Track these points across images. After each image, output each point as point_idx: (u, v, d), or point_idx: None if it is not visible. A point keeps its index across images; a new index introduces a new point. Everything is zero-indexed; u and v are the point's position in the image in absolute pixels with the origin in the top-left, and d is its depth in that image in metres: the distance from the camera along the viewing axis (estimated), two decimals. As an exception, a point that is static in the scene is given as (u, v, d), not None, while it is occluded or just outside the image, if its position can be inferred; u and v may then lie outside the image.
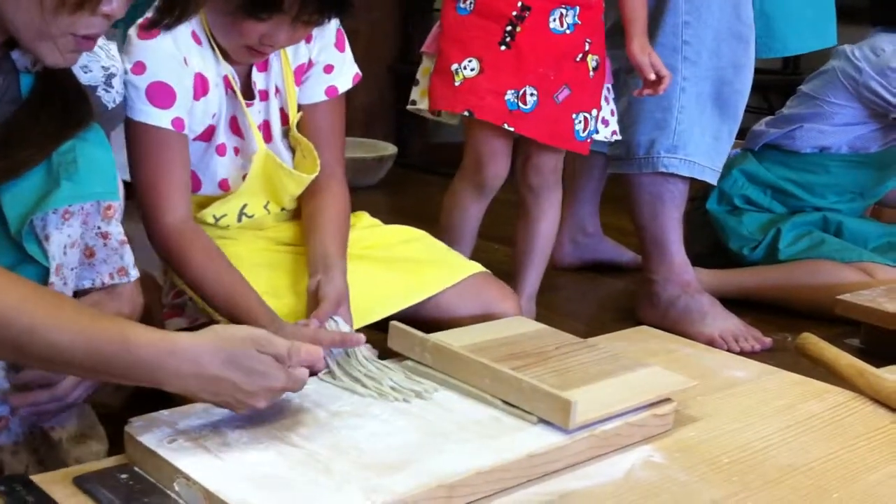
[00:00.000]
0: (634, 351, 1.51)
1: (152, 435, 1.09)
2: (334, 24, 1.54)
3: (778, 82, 4.24)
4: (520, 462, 1.10)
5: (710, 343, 1.87)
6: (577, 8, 1.77)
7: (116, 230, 1.23)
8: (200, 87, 1.43)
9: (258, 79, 1.51)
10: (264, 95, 1.52)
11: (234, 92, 1.47)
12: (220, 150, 1.49)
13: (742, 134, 2.34)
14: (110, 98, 1.29)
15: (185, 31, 1.40)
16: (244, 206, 1.53)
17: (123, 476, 1.06)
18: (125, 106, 1.36)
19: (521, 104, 1.74)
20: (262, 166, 1.48)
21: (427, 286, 1.55)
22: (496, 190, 1.87)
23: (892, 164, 2.40)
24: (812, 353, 1.55)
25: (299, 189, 1.55)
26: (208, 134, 1.47)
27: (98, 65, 1.28)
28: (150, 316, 1.52)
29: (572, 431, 1.15)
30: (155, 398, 1.41)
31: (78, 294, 1.22)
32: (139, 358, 1.01)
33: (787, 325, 2.10)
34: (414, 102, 1.85)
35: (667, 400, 1.27)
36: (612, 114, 1.91)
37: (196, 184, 1.50)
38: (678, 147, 2.04)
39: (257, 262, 1.52)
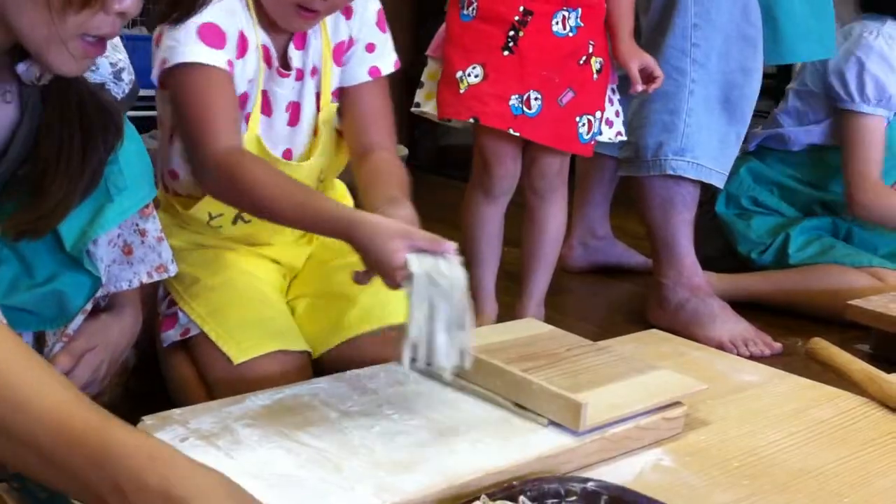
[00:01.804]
0: (645, 354, 1.51)
1: (164, 433, 1.09)
2: (375, 2, 1.51)
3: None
4: (530, 463, 1.10)
5: (720, 347, 1.87)
6: (580, 10, 1.77)
7: (153, 227, 1.23)
8: (241, 45, 1.37)
9: (294, 55, 1.44)
10: (300, 74, 1.45)
11: (268, 64, 1.41)
12: (248, 120, 1.43)
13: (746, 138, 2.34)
14: (119, 90, 1.25)
15: None
16: None
17: (135, 473, 1.06)
18: (137, 88, 1.30)
19: (525, 109, 1.74)
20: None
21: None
22: (507, 193, 1.88)
23: (888, 145, 2.38)
24: (822, 358, 1.54)
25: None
26: (242, 102, 1.40)
27: (106, 61, 1.23)
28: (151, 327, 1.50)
29: (582, 433, 1.15)
30: (166, 398, 1.42)
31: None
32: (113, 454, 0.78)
33: (797, 329, 2.10)
34: (418, 105, 1.85)
35: (677, 403, 1.27)
36: (617, 115, 1.89)
37: None
38: (686, 149, 2.04)
39: (248, 270, 1.48)
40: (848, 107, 2.26)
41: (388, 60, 1.53)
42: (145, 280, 1.24)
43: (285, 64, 1.43)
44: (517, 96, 1.73)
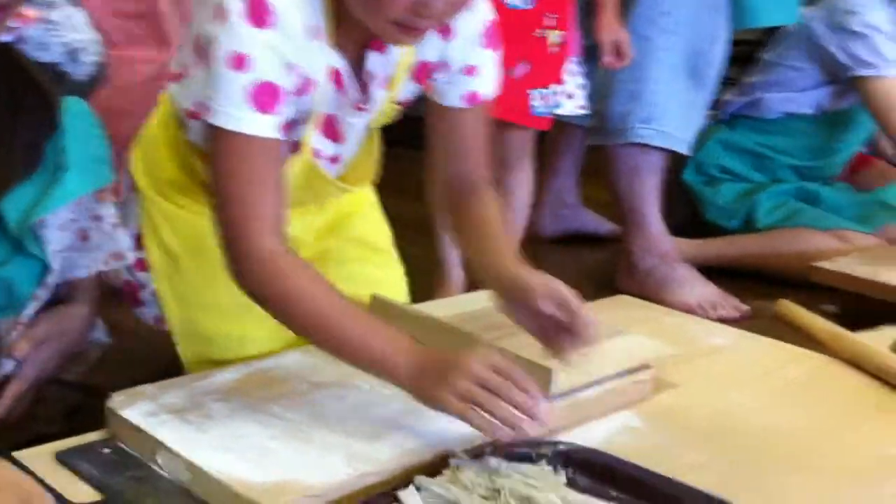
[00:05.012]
0: (615, 319, 1.51)
1: (134, 409, 1.09)
2: (482, 16, 1.25)
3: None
4: (501, 429, 1.10)
5: (689, 311, 1.88)
6: None
7: (109, 212, 1.21)
8: (303, 88, 1.16)
9: (372, 59, 1.22)
10: (364, 86, 1.25)
11: (338, 87, 1.21)
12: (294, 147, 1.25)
13: (715, 106, 2.35)
14: (81, 71, 1.23)
15: (295, 25, 1.10)
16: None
17: (106, 450, 1.07)
18: (106, 68, 1.27)
19: None
20: (304, 175, 1.28)
21: None
22: None
23: (862, 118, 2.40)
24: (789, 319, 1.56)
25: (342, 196, 1.44)
26: (290, 127, 1.18)
27: (58, 41, 1.20)
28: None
29: (553, 399, 1.16)
30: (137, 374, 1.41)
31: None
32: None
33: (766, 292, 2.11)
34: None
35: (646, 366, 1.28)
36: (581, 87, 1.91)
37: None
38: (652, 118, 2.05)
39: None
40: (872, 73, 2.26)
41: (489, 84, 1.29)
42: (102, 268, 1.22)
43: (362, 83, 1.24)
44: None
